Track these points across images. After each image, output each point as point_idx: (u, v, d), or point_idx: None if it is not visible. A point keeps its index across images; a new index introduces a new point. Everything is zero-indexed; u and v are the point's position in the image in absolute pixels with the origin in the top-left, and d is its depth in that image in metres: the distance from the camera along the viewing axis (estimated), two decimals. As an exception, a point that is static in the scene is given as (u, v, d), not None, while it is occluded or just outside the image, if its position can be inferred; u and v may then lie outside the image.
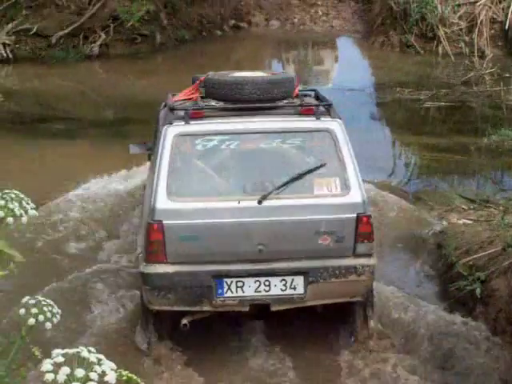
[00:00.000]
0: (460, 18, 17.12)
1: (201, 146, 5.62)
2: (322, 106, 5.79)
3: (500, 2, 16.97)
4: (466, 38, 16.93)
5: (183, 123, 5.60)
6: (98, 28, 17.21)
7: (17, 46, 16.83)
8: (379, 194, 8.32)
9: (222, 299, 5.50)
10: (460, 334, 5.52)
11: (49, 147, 10.56)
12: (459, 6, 17.18)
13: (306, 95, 6.35)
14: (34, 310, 2.13)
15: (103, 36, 17.21)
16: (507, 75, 15.18)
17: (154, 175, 5.60)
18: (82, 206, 7.98)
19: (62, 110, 13.09)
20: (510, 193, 8.30)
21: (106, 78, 16.15)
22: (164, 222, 5.40)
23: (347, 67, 17.25)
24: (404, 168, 10.12)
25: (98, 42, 17.13)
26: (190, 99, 6.14)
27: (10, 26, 16.76)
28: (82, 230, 7.58)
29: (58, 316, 2.18)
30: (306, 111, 5.75)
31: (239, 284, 5.52)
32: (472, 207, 7.83)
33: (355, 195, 5.48)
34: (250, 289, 5.51)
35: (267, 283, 5.53)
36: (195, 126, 5.62)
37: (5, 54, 16.46)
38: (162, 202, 5.42)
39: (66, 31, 16.98)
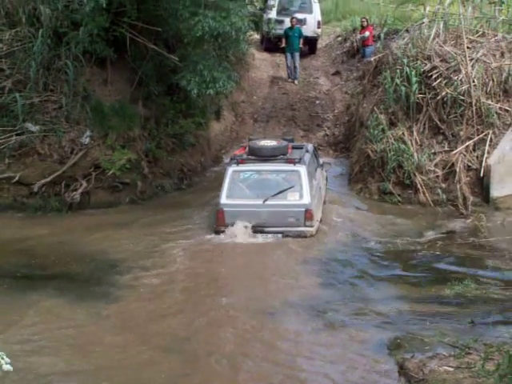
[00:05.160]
0: (436, 165, 17.47)
1: (241, 176, 13.24)
2: (298, 160, 13.38)
3: (474, 150, 17.39)
4: (443, 185, 17.20)
5: (236, 165, 13.42)
6: (80, 176, 17.35)
7: (-2, 194, 16.86)
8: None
9: None
10: None
11: None
12: (435, 154, 17.59)
13: (297, 147, 14.73)
14: None
15: (85, 184, 17.31)
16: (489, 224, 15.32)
17: (221, 188, 13.21)
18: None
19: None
20: (489, 338, 8.12)
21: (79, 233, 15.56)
22: (224, 208, 13.05)
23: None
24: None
25: (80, 190, 17.18)
26: (241, 152, 14.18)
27: (-9, 175, 16.88)
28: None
29: None
30: (289, 161, 13.47)
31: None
32: (453, 354, 7.63)
33: (305, 200, 13.08)
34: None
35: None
36: (240, 167, 13.36)
37: (-16, 202, 16.45)
38: (224, 199, 13.17)
39: (48, 179, 17.09)
